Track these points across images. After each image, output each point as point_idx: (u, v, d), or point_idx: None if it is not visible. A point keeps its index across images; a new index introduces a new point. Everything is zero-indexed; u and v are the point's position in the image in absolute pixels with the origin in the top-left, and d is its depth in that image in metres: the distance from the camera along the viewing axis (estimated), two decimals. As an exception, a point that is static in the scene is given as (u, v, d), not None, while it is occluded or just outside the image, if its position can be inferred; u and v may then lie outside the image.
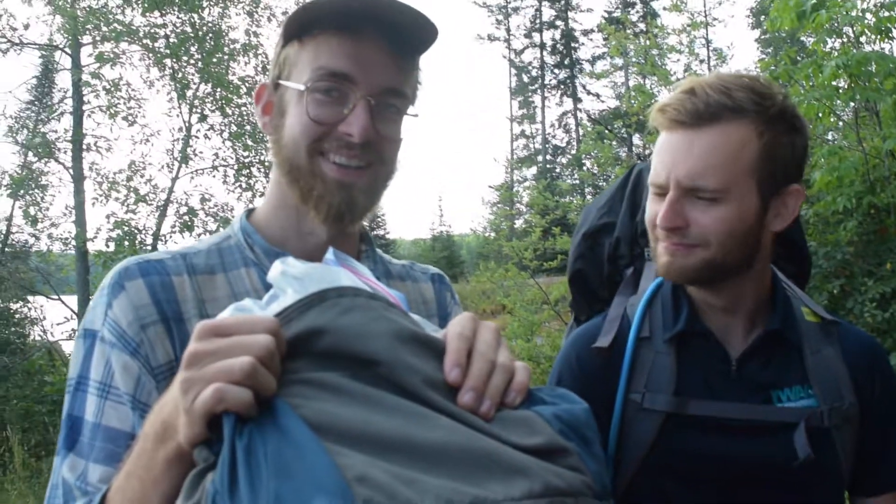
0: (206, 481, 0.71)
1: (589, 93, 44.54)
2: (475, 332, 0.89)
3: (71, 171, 13.97)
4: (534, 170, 43.53)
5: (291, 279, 0.87)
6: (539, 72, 45.61)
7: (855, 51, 6.66)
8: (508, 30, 45.72)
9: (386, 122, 1.21)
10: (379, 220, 41.19)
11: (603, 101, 43.24)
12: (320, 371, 0.78)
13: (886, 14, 6.79)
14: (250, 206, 1.24)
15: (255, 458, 0.68)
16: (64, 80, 16.20)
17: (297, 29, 1.18)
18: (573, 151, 40.47)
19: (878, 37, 6.90)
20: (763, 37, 32.55)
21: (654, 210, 1.38)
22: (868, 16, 6.97)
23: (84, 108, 14.06)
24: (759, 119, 1.31)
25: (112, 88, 13.47)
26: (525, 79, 46.15)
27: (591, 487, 0.79)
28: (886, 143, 6.37)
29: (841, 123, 8.06)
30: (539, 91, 45.73)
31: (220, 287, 1.20)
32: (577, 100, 44.90)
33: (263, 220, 1.29)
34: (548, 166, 43.56)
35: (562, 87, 45.55)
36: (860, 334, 1.52)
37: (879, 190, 6.84)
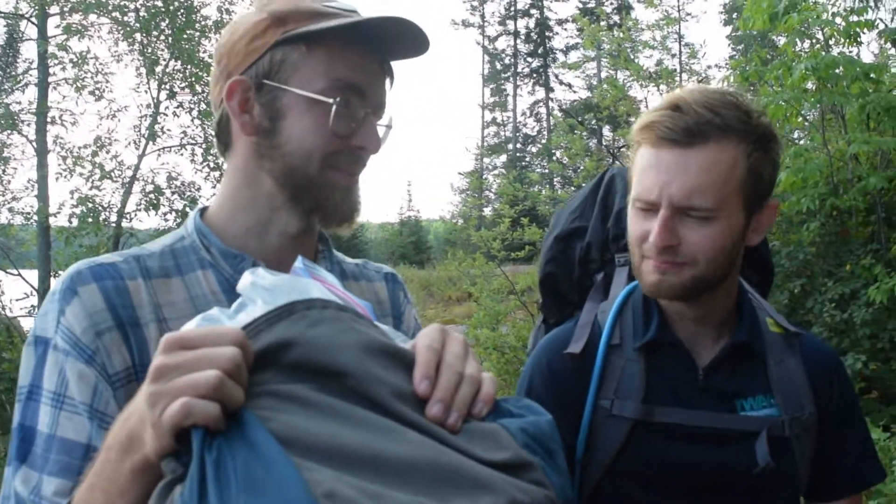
0: (175, 494, 0.71)
1: (561, 83, 44.72)
2: (444, 344, 0.90)
3: (34, 144, 13.73)
4: (504, 157, 43.63)
5: (261, 290, 0.86)
6: (512, 60, 45.65)
7: (824, 54, 6.77)
8: (483, 16, 45.67)
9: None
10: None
11: (575, 92, 43.46)
12: (289, 383, 0.78)
13: (855, 19, 6.89)
14: (216, 186, 1.22)
15: (225, 473, 0.68)
16: (29, 50, 15.89)
17: (306, 33, 1.16)
18: (544, 140, 40.56)
19: (847, 41, 7.01)
20: (735, 34, 32.86)
21: (641, 227, 1.39)
22: (838, 20, 7.08)
23: (49, 80, 13.82)
24: (748, 138, 1.33)
25: (79, 61, 13.24)
26: (498, 66, 46.17)
27: (554, 502, 0.80)
28: (851, 146, 6.49)
29: (807, 125, 8.18)
30: (511, 79, 45.77)
31: (176, 290, 1.18)
32: (549, 89, 45.02)
33: (221, 221, 1.26)
34: (518, 154, 43.68)
35: (534, 75, 45.64)
36: (820, 345, 1.56)
37: (842, 192, 6.96)
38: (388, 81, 1.26)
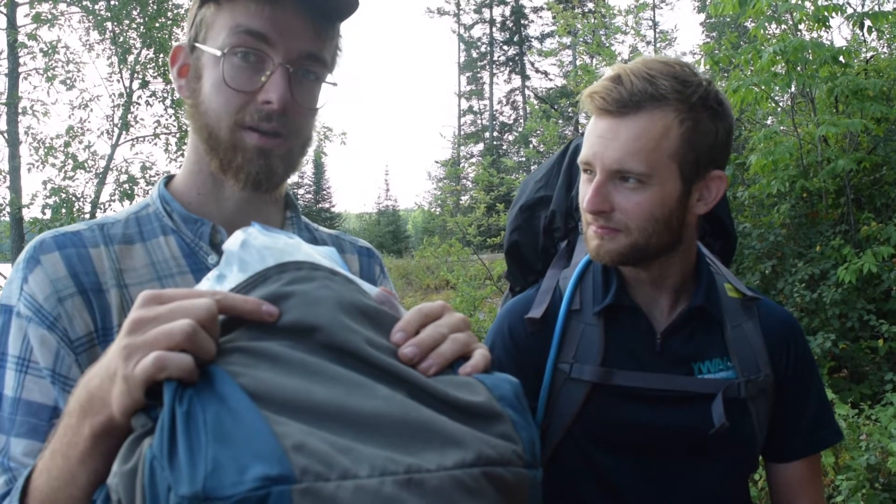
0: (144, 446, 0.70)
1: (537, 70, 44.71)
2: (440, 315, 0.90)
3: (6, 135, 13.54)
4: (480, 146, 43.60)
5: (253, 251, 0.87)
6: (488, 48, 45.59)
7: (793, 37, 6.82)
8: (458, 4, 45.52)
9: (303, 89, 1.19)
10: (325, 193, 40.88)
11: (551, 79, 43.49)
12: (260, 340, 0.78)
13: (824, 2, 6.95)
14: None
15: (195, 424, 0.68)
16: (-2, 40, 15.65)
17: None
18: (520, 128, 40.56)
19: (816, 25, 7.07)
20: (708, 20, 32.99)
21: (584, 192, 1.42)
22: (807, 3, 7.13)
23: (20, 70, 13.62)
24: (681, 107, 1.35)
25: (50, 51, 13.08)
26: (474, 54, 46.07)
27: (521, 456, 0.80)
28: (820, 128, 6.55)
29: (779, 109, 8.25)
30: (488, 67, 45.72)
31: (137, 256, 1.19)
32: (525, 77, 45.03)
33: (182, 187, 1.27)
34: (495, 143, 43.66)
35: (510, 63, 45.62)
36: (778, 310, 1.59)
37: (812, 175, 7.04)
38: (316, 31, 1.19)
